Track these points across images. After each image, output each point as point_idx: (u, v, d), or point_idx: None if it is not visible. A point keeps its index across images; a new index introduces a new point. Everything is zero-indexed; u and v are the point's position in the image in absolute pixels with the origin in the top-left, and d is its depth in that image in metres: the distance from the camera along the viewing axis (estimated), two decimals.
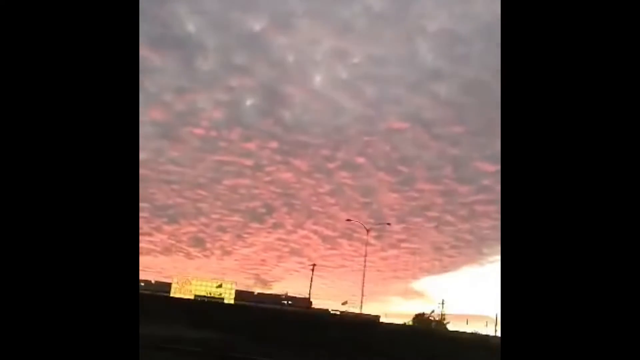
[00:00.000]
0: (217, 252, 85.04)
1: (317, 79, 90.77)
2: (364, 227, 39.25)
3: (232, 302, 53.27)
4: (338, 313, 57.31)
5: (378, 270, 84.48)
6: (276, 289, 68.80)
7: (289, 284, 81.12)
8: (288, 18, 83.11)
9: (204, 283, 56.92)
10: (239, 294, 56.41)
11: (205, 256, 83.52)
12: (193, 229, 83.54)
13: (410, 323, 56.65)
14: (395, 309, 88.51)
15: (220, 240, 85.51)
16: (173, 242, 78.36)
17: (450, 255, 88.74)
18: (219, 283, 56.81)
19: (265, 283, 77.69)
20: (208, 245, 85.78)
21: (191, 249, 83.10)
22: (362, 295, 41.79)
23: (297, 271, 78.81)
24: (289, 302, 54.17)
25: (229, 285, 57.10)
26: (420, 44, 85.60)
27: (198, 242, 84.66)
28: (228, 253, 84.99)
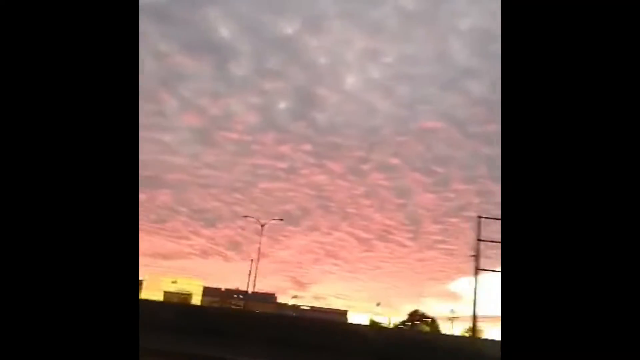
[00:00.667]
0: (254, 255, 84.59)
1: (350, 80, 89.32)
2: (259, 222, 39.97)
3: (199, 298, 54.18)
4: (308, 308, 57.77)
5: (414, 272, 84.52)
6: (312, 291, 69.90)
7: (325, 286, 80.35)
8: (319, 20, 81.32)
9: (174, 280, 57.58)
10: (206, 290, 57.13)
11: (243, 259, 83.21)
12: (230, 232, 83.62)
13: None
14: (428, 310, 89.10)
15: (257, 243, 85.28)
16: (211, 245, 77.50)
17: (488, 256, 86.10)
18: (174, 280, 57.61)
19: (301, 285, 77.24)
20: (244, 248, 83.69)
21: (228, 252, 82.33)
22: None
23: (332, 273, 78.99)
24: (240, 296, 54.21)
25: (197, 282, 57.95)
26: (453, 42, 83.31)
27: (235, 246, 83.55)
28: (265, 256, 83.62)
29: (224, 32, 79.61)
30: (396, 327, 50.92)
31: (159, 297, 49.76)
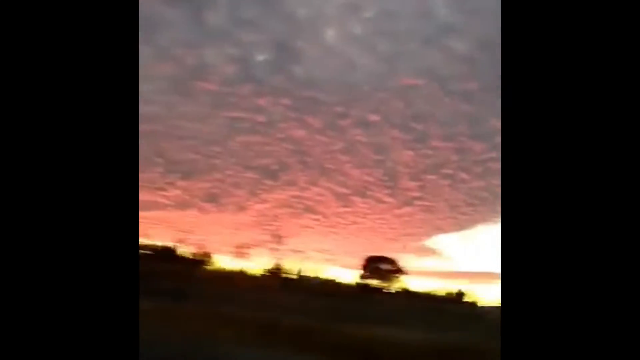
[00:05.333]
0: (232, 207, 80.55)
1: (329, 34, 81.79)
2: None
3: None
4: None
5: (392, 228, 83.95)
6: (290, 245, 71.84)
7: (303, 240, 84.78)
8: None
9: None
10: None
11: (220, 212, 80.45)
12: (207, 184, 78.92)
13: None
14: (407, 265, 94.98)
15: (234, 196, 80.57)
16: (187, 197, 74.38)
17: (464, 213, 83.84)
18: None
19: (279, 239, 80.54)
20: (222, 201, 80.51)
21: (205, 204, 78.90)
22: None
23: (311, 227, 78.34)
24: None
25: None
26: None
27: (212, 198, 79.34)
28: (242, 209, 79.63)
29: None
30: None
31: None
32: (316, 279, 55.85)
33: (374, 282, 55.18)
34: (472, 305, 54.29)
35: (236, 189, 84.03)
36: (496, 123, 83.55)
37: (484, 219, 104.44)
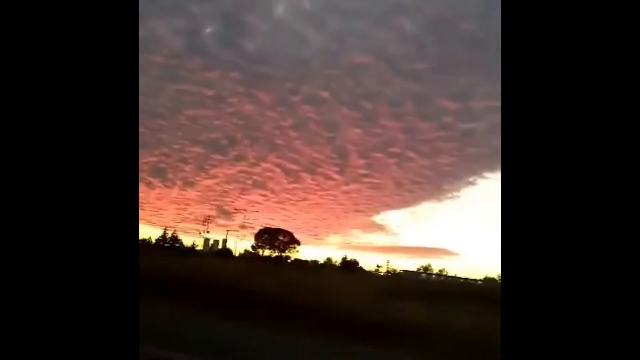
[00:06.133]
0: (179, 182, 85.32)
1: (280, 9, 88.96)
2: None
3: None
4: None
5: (340, 204, 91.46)
6: (238, 220, 73.86)
7: (252, 215, 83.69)
8: None
9: None
10: None
11: (167, 186, 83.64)
12: (154, 159, 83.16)
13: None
14: (355, 241, 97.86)
15: (182, 171, 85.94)
16: None
17: (410, 190, 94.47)
18: None
19: (227, 214, 79.26)
20: (170, 175, 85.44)
21: (152, 179, 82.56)
22: None
23: (260, 203, 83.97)
24: None
25: None
26: None
27: (159, 172, 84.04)
28: (190, 184, 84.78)
29: None
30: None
31: None
32: (211, 248, 66.49)
33: (266, 252, 67.05)
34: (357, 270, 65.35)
35: (184, 164, 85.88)
36: (443, 103, 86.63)
37: (429, 197, 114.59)
